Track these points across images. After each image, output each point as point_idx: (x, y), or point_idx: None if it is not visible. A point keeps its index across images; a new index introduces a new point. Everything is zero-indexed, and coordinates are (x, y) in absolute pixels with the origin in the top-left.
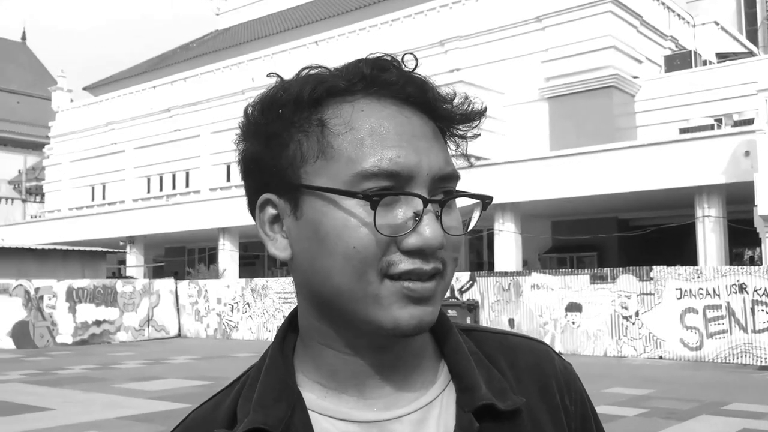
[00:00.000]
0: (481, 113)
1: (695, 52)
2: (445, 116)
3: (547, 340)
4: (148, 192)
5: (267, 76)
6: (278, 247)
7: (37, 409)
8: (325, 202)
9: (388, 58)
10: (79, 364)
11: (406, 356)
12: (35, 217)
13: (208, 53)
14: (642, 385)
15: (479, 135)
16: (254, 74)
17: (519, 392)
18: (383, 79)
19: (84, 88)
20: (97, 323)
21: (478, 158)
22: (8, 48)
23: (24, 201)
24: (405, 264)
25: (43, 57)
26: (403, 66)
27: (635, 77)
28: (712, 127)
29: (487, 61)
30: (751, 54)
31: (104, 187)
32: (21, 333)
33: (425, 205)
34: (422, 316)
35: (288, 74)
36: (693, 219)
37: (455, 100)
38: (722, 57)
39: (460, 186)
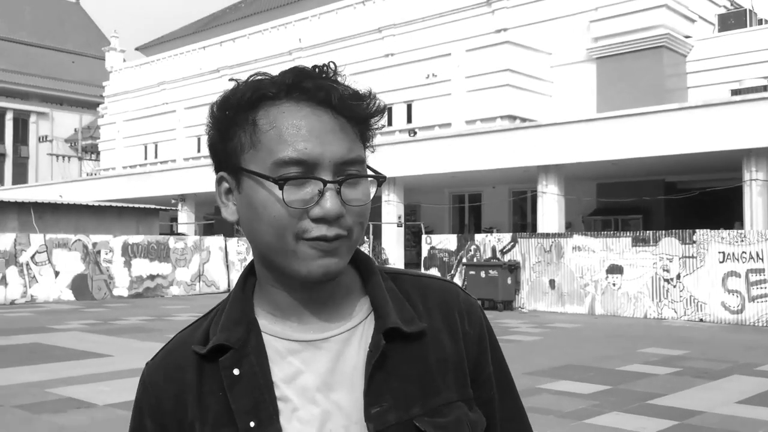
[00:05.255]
0: (380, 111)
1: (750, 11)
2: (350, 115)
3: (587, 302)
4: (198, 151)
5: (228, 80)
6: (229, 212)
7: (98, 355)
8: (254, 182)
9: (311, 69)
10: (135, 316)
11: (334, 292)
12: (91, 174)
13: (257, 13)
14: (678, 346)
15: (382, 127)
16: (301, 35)
17: (426, 320)
18: (301, 86)
19: (136, 49)
20: (151, 277)
21: (524, 120)
22: (63, 8)
23: (80, 159)
24: (314, 231)
25: (97, 17)
26: (330, 73)
27: (687, 37)
28: (765, 88)
29: (535, 20)
30: None
31: (156, 146)
32: (80, 285)
33: (325, 185)
34: (328, 266)
35: (336, 34)
36: (740, 182)
37: (359, 101)
38: None
39: (510, 143)
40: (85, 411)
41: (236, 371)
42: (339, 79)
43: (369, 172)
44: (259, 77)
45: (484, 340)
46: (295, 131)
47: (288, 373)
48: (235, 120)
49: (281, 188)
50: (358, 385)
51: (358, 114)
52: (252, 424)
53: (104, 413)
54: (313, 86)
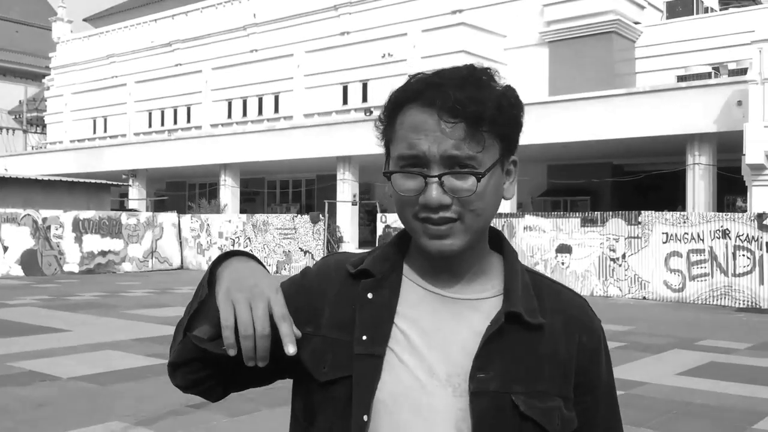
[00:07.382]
0: (498, 113)
1: None
2: (463, 118)
3: None
4: (150, 126)
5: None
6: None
7: (55, 330)
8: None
9: (436, 80)
10: (89, 292)
11: (468, 267)
12: (36, 148)
13: None
14: (624, 323)
15: (510, 125)
16: (256, 10)
17: (549, 319)
18: (424, 94)
19: (85, 19)
20: (103, 253)
21: None
22: None
23: (25, 132)
24: (422, 213)
25: None
26: (460, 76)
27: (637, 23)
28: (709, 75)
29: (490, 2)
30: (754, 2)
31: (105, 120)
32: (29, 261)
33: (425, 178)
34: (440, 247)
35: (292, 11)
36: (684, 166)
37: (467, 106)
38: (725, 4)
39: None
40: (50, 384)
41: (370, 295)
42: (475, 78)
43: (489, 166)
44: (410, 80)
45: (599, 356)
46: (411, 131)
47: (412, 312)
48: (386, 120)
49: (389, 179)
50: (471, 349)
51: (466, 117)
52: (364, 337)
53: (70, 386)
54: (431, 92)
